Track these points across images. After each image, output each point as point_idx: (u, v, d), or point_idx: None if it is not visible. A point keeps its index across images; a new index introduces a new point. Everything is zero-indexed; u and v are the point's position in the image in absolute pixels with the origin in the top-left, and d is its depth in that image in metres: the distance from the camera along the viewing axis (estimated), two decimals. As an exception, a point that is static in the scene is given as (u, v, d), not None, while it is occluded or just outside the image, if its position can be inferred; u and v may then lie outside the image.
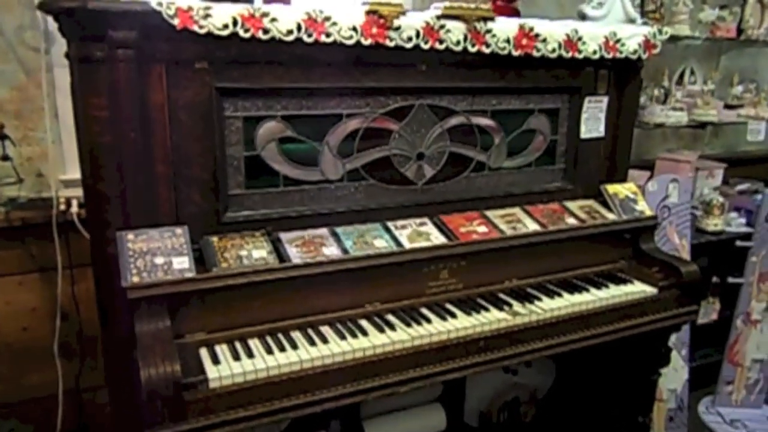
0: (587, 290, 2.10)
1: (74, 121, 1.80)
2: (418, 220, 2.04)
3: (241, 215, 1.82)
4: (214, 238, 1.76)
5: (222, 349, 1.64)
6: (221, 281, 1.64)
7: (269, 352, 1.63)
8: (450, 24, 1.87)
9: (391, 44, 1.80)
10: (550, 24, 2.07)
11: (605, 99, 2.32)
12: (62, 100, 2.02)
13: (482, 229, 2.07)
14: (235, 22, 1.59)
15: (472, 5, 1.91)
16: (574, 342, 1.98)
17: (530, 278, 2.13)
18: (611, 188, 2.37)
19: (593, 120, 2.32)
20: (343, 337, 1.71)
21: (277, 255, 1.76)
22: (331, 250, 1.82)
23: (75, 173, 2.12)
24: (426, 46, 1.85)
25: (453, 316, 1.87)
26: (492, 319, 1.87)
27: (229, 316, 1.69)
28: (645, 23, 2.28)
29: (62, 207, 2.06)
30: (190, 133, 1.70)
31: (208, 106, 1.70)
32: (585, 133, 2.32)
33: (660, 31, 2.23)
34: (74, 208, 2.07)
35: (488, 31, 1.93)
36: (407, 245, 1.92)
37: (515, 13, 2.35)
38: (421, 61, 1.93)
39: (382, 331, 1.76)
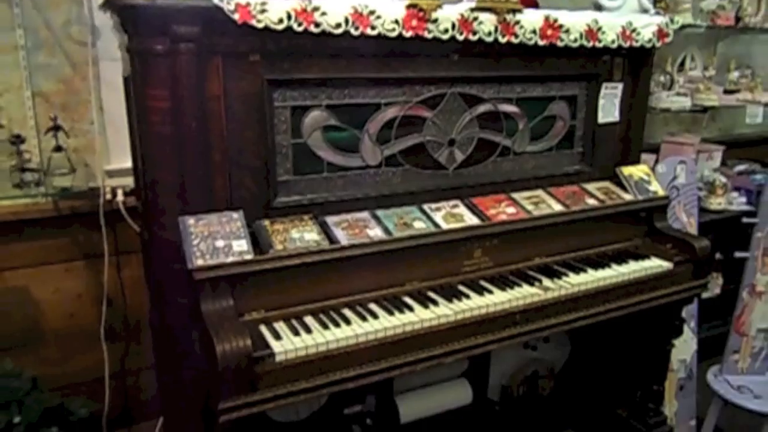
0: (609, 266, 2.23)
1: (127, 113, 1.88)
2: (450, 203, 2.16)
3: (290, 200, 1.92)
4: (266, 222, 1.85)
5: (280, 326, 1.74)
6: (278, 262, 1.74)
7: (325, 327, 1.73)
8: (482, 16, 1.98)
9: (429, 36, 1.90)
10: (572, 15, 2.18)
11: (620, 85, 2.44)
12: (107, 93, 2.09)
13: (511, 210, 2.19)
14: (289, 17, 1.68)
15: (502, -2, 2.01)
16: (599, 314, 2.11)
17: (555, 255, 2.26)
18: (626, 170, 2.50)
19: (609, 105, 2.44)
20: (391, 313, 1.82)
21: (327, 237, 1.86)
22: (375, 232, 1.93)
23: (119, 163, 2.21)
24: (461, 38, 1.95)
25: (489, 292, 1.99)
26: (525, 294, 1.99)
27: (284, 295, 1.79)
28: (657, 13, 2.41)
29: (108, 196, 2.14)
30: (243, 122, 1.78)
31: (260, 96, 1.79)
32: (602, 118, 2.44)
33: (672, 21, 2.36)
34: (120, 197, 2.14)
35: (517, 22, 2.04)
36: (444, 226, 2.03)
37: (534, 5, 2.46)
38: (453, 52, 2.04)
39: (426, 306, 1.87)
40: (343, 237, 1.88)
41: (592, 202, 2.35)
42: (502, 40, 2.03)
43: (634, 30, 2.28)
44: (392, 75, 1.98)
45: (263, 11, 1.64)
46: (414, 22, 1.86)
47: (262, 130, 1.82)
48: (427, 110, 2.09)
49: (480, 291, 1.98)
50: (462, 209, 2.14)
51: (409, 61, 1.98)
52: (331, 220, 1.94)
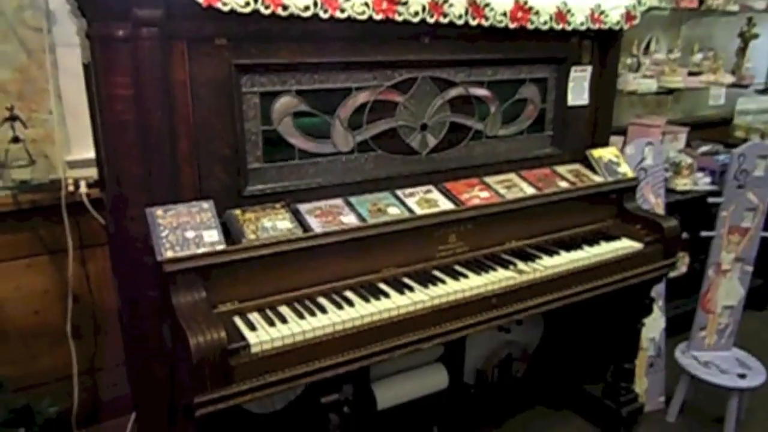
0: (581, 248, 2.25)
1: (88, 101, 1.81)
2: (424, 188, 2.14)
3: (261, 188, 1.88)
4: (237, 212, 1.81)
5: (255, 317, 1.71)
6: (251, 252, 1.70)
7: (301, 317, 1.71)
8: (452, -1, 1.96)
9: (400, 19, 1.87)
10: (542, -2, 2.18)
11: (589, 68, 2.46)
12: (65, 81, 2.01)
13: (484, 194, 2.19)
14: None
15: (473, -20, 1.99)
16: (573, 296, 2.14)
17: (529, 239, 2.27)
18: (596, 152, 2.53)
19: (579, 88, 2.46)
20: (367, 300, 1.81)
21: (300, 225, 1.83)
22: (349, 219, 1.91)
23: (81, 154, 2.13)
24: (431, 20, 1.93)
25: (465, 276, 1.99)
26: (501, 277, 1.99)
27: (258, 285, 1.76)
28: None
29: (70, 188, 2.06)
30: (211, 109, 1.73)
31: (227, 82, 1.74)
32: (572, 100, 2.45)
33: (639, 2, 2.37)
34: (83, 189, 2.07)
35: (487, 5, 2.02)
36: (418, 212, 2.02)
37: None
38: (424, 35, 2.01)
39: (402, 293, 1.86)
40: (316, 225, 1.85)
41: (563, 184, 2.37)
42: (473, 22, 2.01)
43: (602, 12, 2.29)
44: (363, 59, 1.94)
45: (229, -7, 1.59)
46: (384, 5, 1.83)
47: (231, 117, 1.77)
48: (399, 95, 2.07)
49: (455, 276, 1.98)
50: (436, 194, 2.13)
51: (379, 44, 1.95)
52: (304, 207, 1.91)
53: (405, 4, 1.86)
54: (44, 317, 2.16)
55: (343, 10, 1.76)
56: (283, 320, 1.69)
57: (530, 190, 2.28)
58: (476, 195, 2.18)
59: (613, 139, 2.81)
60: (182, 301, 1.61)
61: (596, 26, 2.29)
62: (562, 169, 2.46)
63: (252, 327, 1.65)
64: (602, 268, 2.21)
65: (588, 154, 2.52)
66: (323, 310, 1.74)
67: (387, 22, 1.86)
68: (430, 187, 2.16)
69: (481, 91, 2.25)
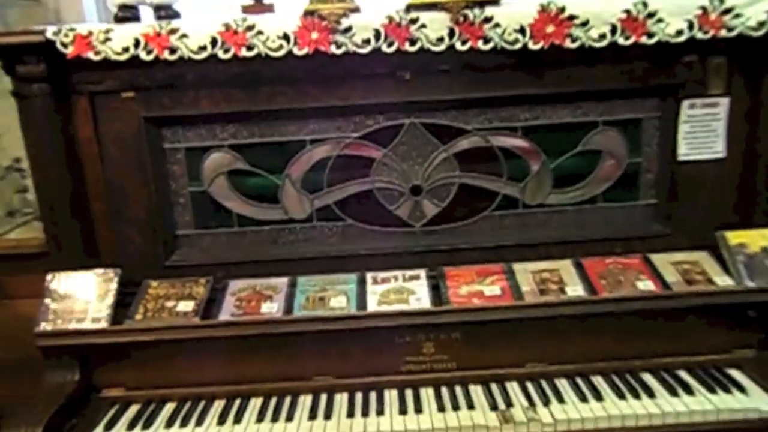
0: (652, 394, 1.38)
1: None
2: (410, 273, 1.59)
3: (189, 259, 1.62)
4: (154, 283, 1.58)
5: (131, 411, 1.45)
6: (128, 336, 1.46)
7: (183, 423, 1.38)
8: (426, 16, 1.39)
9: (340, 51, 1.40)
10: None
11: (724, 101, 1.53)
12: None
13: (493, 290, 1.52)
14: (137, 44, 1.39)
15: (462, -13, 1.39)
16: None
17: (566, 364, 1.49)
18: (735, 237, 1.56)
19: (703, 133, 1.55)
20: (260, 420, 1.38)
21: (205, 309, 1.51)
22: (271, 307, 1.51)
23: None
24: (389, 50, 1.40)
25: (418, 411, 1.39)
26: (471, 423, 1.33)
27: (150, 373, 1.49)
28: None
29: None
30: (123, 167, 1.55)
31: (139, 137, 1.53)
32: (686, 153, 1.56)
33: (815, -11, 1.37)
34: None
35: (487, 19, 1.39)
36: (372, 307, 1.50)
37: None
38: (402, 68, 1.48)
39: (313, 417, 1.38)
40: (227, 311, 1.51)
41: (646, 286, 1.50)
42: (462, 47, 1.41)
43: (727, 11, 1.39)
44: (314, 104, 1.52)
45: (106, 40, 1.39)
46: (314, 35, 1.39)
47: (146, 177, 1.55)
48: (376, 148, 1.57)
49: (404, 407, 1.40)
50: (419, 283, 1.56)
51: (336, 84, 1.50)
52: (234, 286, 1.58)
53: (347, 31, 1.39)
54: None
55: (250, 48, 1.39)
56: (148, 424, 1.39)
57: (578, 292, 1.50)
58: (479, 290, 1.52)
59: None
60: (52, 381, 1.46)
61: (711, 34, 1.39)
62: (664, 260, 1.57)
63: (111, 425, 1.40)
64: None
65: (719, 237, 1.57)
66: (200, 422, 1.39)
67: (338, 56, 1.42)
68: (420, 272, 1.58)
69: (514, 141, 1.58)
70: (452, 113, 1.56)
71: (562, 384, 1.46)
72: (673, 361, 1.49)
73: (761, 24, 1.38)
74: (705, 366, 1.48)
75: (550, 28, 1.39)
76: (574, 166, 1.60)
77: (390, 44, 1.40)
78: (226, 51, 1.39)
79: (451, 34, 1.40)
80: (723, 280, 1.50)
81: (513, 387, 1.46)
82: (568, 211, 1.63)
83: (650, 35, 1.39)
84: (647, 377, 1.46)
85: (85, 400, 1.48)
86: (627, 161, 1.60)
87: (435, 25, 1.39)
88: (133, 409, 1.46)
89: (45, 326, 1.48)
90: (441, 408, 1.39)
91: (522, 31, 1.39)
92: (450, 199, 1.61)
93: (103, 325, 1.48)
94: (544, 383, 1.46)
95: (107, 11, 1.98)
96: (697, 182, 1.58)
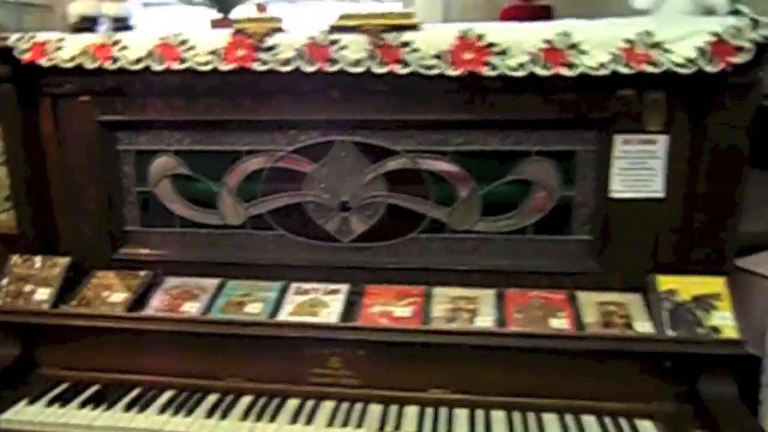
0: (548, 436, 1.34)
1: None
2: (333, 287, 1.62)
3: (134, 253, 1.73)
4: (100, 273, 1.71)
5: (58, 390, 1.57)
6: (60, 320, 1.59)
7: (83, 405, 1.49)
8: (346, 38, 1.43)
9: (263, 68, 1.46)
10: (526, 27, 1.39)
11: (662, 138, 1.45)
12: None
13: (404, 312, 1.52)
14: (84, 53, 1.51)
15: (385, 11, 1.42)
16: None
17: (471, 395, 1.46)
18: (666, 282, 1.47)
19: (639, 171, 1.48)
20: (169, 412, 1.46)
21: (136, 302, 1.61)
22: (191, 307, 1.59)
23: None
24: (310, 69, 1.45)
25: (308, 423, 1.42)
26: (345, 441, 1.35)
27: (81, 357, 1.61)
28: (736, 12, 1.33)
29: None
30: (81, 165, 1.69)
31: (94, 138, 1.66)
32: (619, 190, 1.49)
33: (756, 24, 1.28)
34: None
35: (405, 44, 1.40)
36: (282, 317, 1.54)
37: (544, 16, 1.67)
38: (330, 88, 1.52)
39: (209, 416, 1.45)
40: (154, 305, 1.61)
41: (560, 323, 1.45)
42: (380, 70, 1.43)
43: (656, 44, 1.32)
44: (248, 117, 1.59)
45: (58, 49, 1.52)
46: (240, 52, 1.46)
47: (101, 175, 1.68)
48: (307, 163, 1.62)
49: (296, 418, 1.43)
50: (336, 298, 1.59)
51: (267, 99, 1.56)
52: (169, 282, 1.68)
53: (270, 49, 1.45)
54: None
55: (183, 61, 1.48)
56: (65, 402, 1.51)
57: (486, 323, 1.47)
58: (391, 311, 1.53)
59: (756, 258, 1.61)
60: (-3, 355, 1.61)
61: (638, 68, 1.33)
62: (590, 299, 1.51)
63: (35, 399, 1.53)
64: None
65: (650, 280, 1.49)
66: (110, 406, 1.49)
67: (263, 73, 1.48)
68: (343, 287, 1.61)
69: (442, 165, 1.57)
70: (383, 134, 1.57)
71: (459, 414, 1.44)
72: (583, 405, 1.43)
73: (690, 61, 1.30)
74: (617, 414, 1.41)
75: (467, 55, 1.38)
76: (504, 194, 1.57)
77: (311, 64, 1.44)
78: (160, 63, 1.49)
79: (371, 56, 1.42)
80: (642, 326, 1.43)
81: (410, 411, 1.45)
82: (497, 240, 1.60)
83: (571, 66, 1.35)
84: (550, 417, 1.42)
85: (27, 374, 1.62)
86: (559, 194, 1.55)
87: (355, 47, 1.42)
88: (61, 387, 1.59)
89: (-3, 303, 1.64)
90: (330, 423, 1.41)
91: (439, 57, 1.39)
92: (378, 218, 1.62)
93: (45, 307, 1.62)
94: (442, 411, 1.45)
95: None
96: (632, 221, 1.50)
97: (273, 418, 1.43)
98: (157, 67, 1.49)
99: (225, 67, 1.47)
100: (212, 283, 1.66)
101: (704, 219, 1.47)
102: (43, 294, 1.64)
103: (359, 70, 1.43)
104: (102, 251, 1.73)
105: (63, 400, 1.52)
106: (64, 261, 1.69)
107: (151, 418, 1.45)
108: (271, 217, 1.67)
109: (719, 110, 1.39)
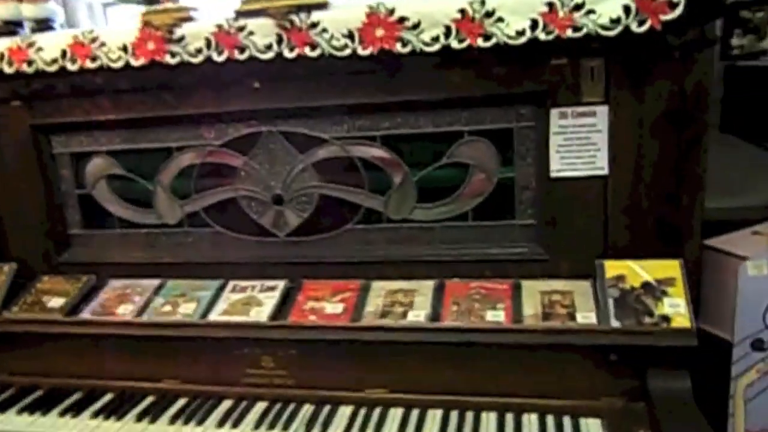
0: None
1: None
2: (270, 283, 1.56)
3: (78, 257, 1.72)
4: (45, 278, 1.71)
5: (6, 395, 1.58)
6: (2, 326, 1.59)
7: (27, 411, 1.49)
8: (253, 23, 1.35)
9: (174, 61, 1.41)
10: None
11: (602, 110, 1.32)
12: None
13: (335, 308, 1.45)
14: (1, 57, 1.49)
15: (292, -9, 1.33)
16: None
17: (409, 393, 1.38)
18: (614, 267, 1.35)
19: (579, 147, 1.35)
20: (101, 416, 1.44)
21: (76, 306, 1.60)
22: (126, 309, 1.56)
23: None
24: (220, 59, 1.38)
25: (235, 425, 1.37)
26: (267, 445, 1.29)
27: (25, 362, 1.62)
28: None
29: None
30: (17, 171, 1.68)
31: (28, 143, 1.65)
32: (559, 168, 1.36)
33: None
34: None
35: (313, 24, 1.31)
36: (213, 317, 1.49)
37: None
38: (249, 76, 1.45)
39: (140, 419, 1.42)
40: (91, 309, 1.59)
41: (495, 317, 1.35)
42: (290, 54, 1.34)
43: (578, 7, 1.19)
44: (171, 113, 1.54)
45: (-25, 54, 1.51)
46: (151, 45, 1.40)
47: (37, 180, 1.67)
48: (237, 156, 1.56)
49: (224, 419, 1.38)
50: (270, 295, 1.52)
51: (185, 93, 1.51)
52: (112, 285, 1.66)
53: (181, 40, 1.39)
54: None
55: (95, 59, 1.44)
56: (5, 408, 1.51)
57: (419, 316, 1.38)
58: (322, 307, 1.46)
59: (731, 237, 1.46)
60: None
61: (555, 34, 1.20)
62: (535, 288, 1.40)
63: (-21, 404, 1.54)
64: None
65: (598, 266, 1.36)
66: (46, 410, 1.48)
67: (174, 67, 1.43)
68: (280, 283, 1.55)
69: (373, 151, 1.48)
70: (310, 122, 1.49)
71: (393, 414, 1.36)
72: (526, 403, 1.33)
73: (614, 21, 1.16)
74: (561, 412, 1.31)
75: (379, 32, 1.28)
76: (441, 179, 1.47)
77: (220, 52, 1.37)
78: (73, 62, 1.45)
79: (279, 40, 1.34)
80: (585, 317, 1.31)
81: (344, 412, 1.39)
82: (435, 228, 1.50)
83: (488, 37, 1.23)
84: (489, 417, 1.32)
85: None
86: (498, 176, 1.43)
87: (263, 32, 1.35)
88: (6, 393, 1.59)
89: (-62, 311, 1.65)
90: (257, 426, 1.36)
91: (351, 36, 1.30)
92: (312, 210, 1.55)
93: (-15, 315, 1.62)
94: (377, 411, 1.37)
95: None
96: (576, 202, 1.38)
97: (201, 422, 1.39)
98: (72, 67, 1.45)
99: (136, 62, 1.42)
100: (152, 284, 1.63)
101: (654, 196, 1.33)
102: (-13, 301, 1.64)
103: (270, 55, 1.35)
104: (46, 257, 1.72)
105: (2, 406, 1.52)
106: (9, 267, 1.69)
107: (82, 423, 1.43)
108: (207, 214, 1.62)
109: (663, 76, 1.25)
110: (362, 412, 1.38)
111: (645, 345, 1.24)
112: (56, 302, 1.61)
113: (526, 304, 1.37)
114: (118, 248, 1.70)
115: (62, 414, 1.47)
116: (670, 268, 1.32)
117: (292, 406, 1.42)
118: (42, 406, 1.50)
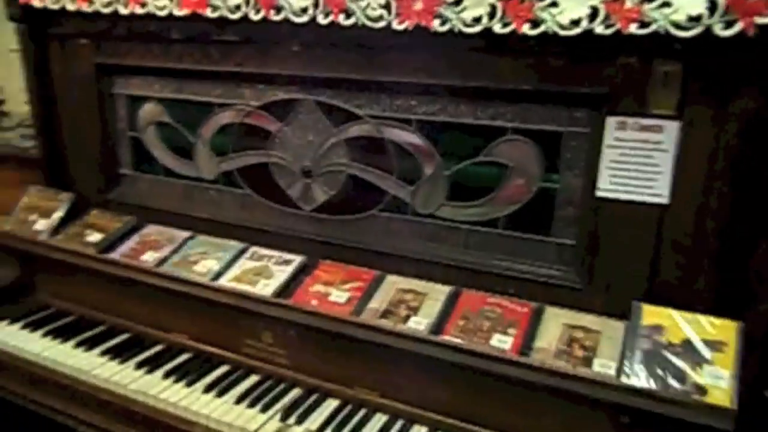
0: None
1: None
2: (287, 257, 1.51)
3: (125, 197, 1.77)
4: (95, 212, 1.78)
5: (39, 315, 1.68)
6: (46, 251, 1.68)
7: (57, 337, 1.57)
8: (298, -19, 1.25)
9: (214, 15, 1.35)
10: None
11: (672, 126, 1.08)
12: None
13: (339, 297, 1.37)
14: (70, -4, 1.53)
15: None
16: None
17: (399, 402, 1.28)
18: (653, 314, 1.13)
19: (638, 165, 1.13)
20: (108, 356, 1.49)
21: (111, 244, 1.65)
22: (149, 257, 1.58)
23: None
24: (257, 17, 1.30)
25: (220, 394, 1.35)
26: (240, 423, 1.26)
27: (62, 288, 1.72)
28: None
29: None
30: (80, 106, 1.74)
31: (91, 81, 1.70)
32: (607, 188, 1.15)
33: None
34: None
35: (351, -10, 1.19)
36: (222, 281, 1.47)
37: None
38: (290, 38, 1.37)
39: (139, 367, 1.45)
40: (121, 250, 1.63)
41: (500, 343, 1.19)
42: (323, 20, 1.24)
43: (652, -2, 0.96)
44: (214, 68, 1.51)
45: (55, -8, 1.55)
46: (195, -3, 1.36)
47: (97, 117, 1.73)
48: (273, 121, 1.50)
49: (211, 386, 1.37)
50: (283, 269, 1.47)
51: (230, 49, 1.46)
52: (148, 230, 1.70)
53: (222, -6, 1.33)
54: None
55: (143, 5, 1.43)
56: (37, 327, 1.61)
57: (419, 324, 1.26)
58: (328, 294, 1.38)
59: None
60: (-1, 272, 1.77)
61: (614, 28, 0.99)
62: (559, 318, 1.22)
63: (16, 319, 1.65)
64: None
65: (634, 308, 1.15)
66: (66, 339, 1.56)
67: (223, 21, 1.38)
68: (297, 258, 1.49)
69: (406, 136, 1.35)
70: (346, 95, 1.39)
71: (377, 419, 1.27)
72: (521, 442, 1.18)
73: (693, 19, 0.93)
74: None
75: (417, 5, 1.14)
76: (475, 177, 1.31)
77: (257, 11, 1.30)
78: (126, 6, 1.45)
79: (316, 4, 1.24)
80: (603, 366, 1.11)
81: (329, 404, 1.32)
82: (462, 230, 1.35)
83: (535, 24, 1.05)
84: (476, 447, 1.19)
85: (23, 296, 1.76)
86: (540, 184, 1.25)
87: (309, -9, 1.25)
88: (41, 314, 1.69)
89: (6, 227, 1.78)
90: (240, 400, 1.33)
91: (388, 6, 1.17)
92: (339, 188, 1.46)
93: (39, 237, 1.72)
94: (361, 412, 1.29)
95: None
96: (625, 229, 1.16)
97: (191, 383, 1.39)
98: (123, 11, 1.45)
99: (179, 12, 1.38)
100: (182, 235, 1.64)
101: (722, 239, 1.09)
102: (42, 225, 1.75)
103: (304, 19, 1.26)
104: (100, 191, 1.79)
105: (34, 325, 1.62)
106: (67, 196, 1.78)
107: (89, 359, 1.49)
108: (241, 175, 1.58)
109: (753, 94, 1.00)
110: (346, 410, 1.30)
111: (665, 415, 1.03)
112: (95, 237, 1.67)
113: (542, 335, 1.20)
114: (159, 195, 1.73)
115: (77, 345, 1.53)
116: (724, 329, 1.08)
117: (281, 387, 1.37)
118: (65, 334, 1.58)
